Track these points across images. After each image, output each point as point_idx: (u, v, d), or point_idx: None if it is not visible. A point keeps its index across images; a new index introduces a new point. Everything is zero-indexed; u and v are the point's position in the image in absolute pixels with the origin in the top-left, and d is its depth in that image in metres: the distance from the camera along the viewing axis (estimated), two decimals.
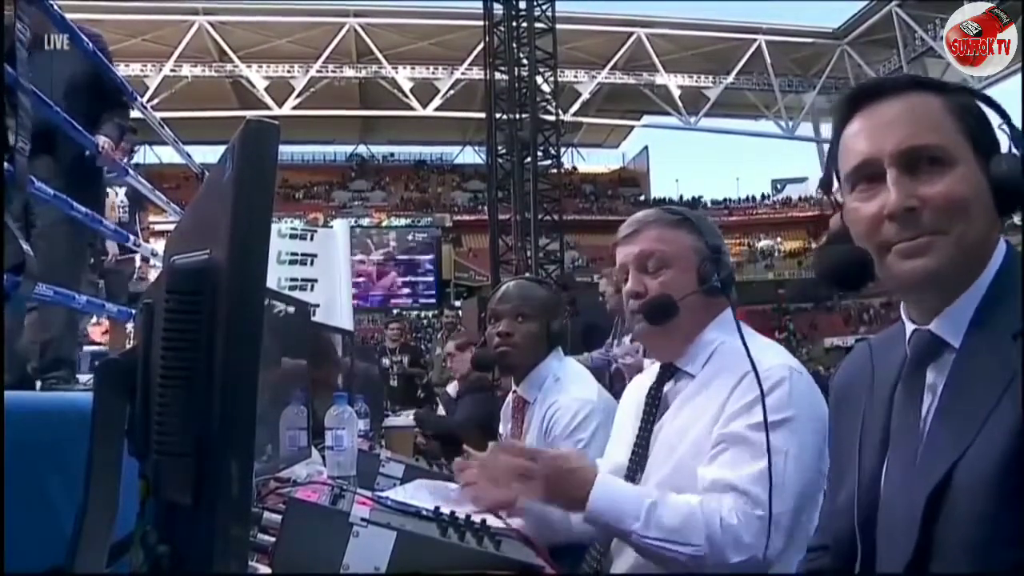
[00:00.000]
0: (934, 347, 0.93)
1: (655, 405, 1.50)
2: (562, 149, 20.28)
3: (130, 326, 4.47)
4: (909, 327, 0.97)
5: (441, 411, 4.85)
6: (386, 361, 7.01)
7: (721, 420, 1.35)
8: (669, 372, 1.51)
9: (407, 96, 28.56)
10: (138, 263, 4.92)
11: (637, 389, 1.62)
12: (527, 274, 10.68)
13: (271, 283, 3.13)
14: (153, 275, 5.22)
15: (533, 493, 1.37)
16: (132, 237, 3.95)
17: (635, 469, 1.46)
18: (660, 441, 1.45)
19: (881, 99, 0.96)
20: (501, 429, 2.41)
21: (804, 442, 1.31)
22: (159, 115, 4.19)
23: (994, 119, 0.95)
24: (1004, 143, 0.93)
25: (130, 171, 3.62)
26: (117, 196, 4.92)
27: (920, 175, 0.90)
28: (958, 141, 0.91)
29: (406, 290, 26.68)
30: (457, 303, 22.75)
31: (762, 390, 1.30)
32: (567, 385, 2.11)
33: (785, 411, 1.32)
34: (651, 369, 1.65)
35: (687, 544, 1.26)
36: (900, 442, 0.94)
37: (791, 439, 1.30)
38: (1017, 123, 0.92)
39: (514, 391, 2.24)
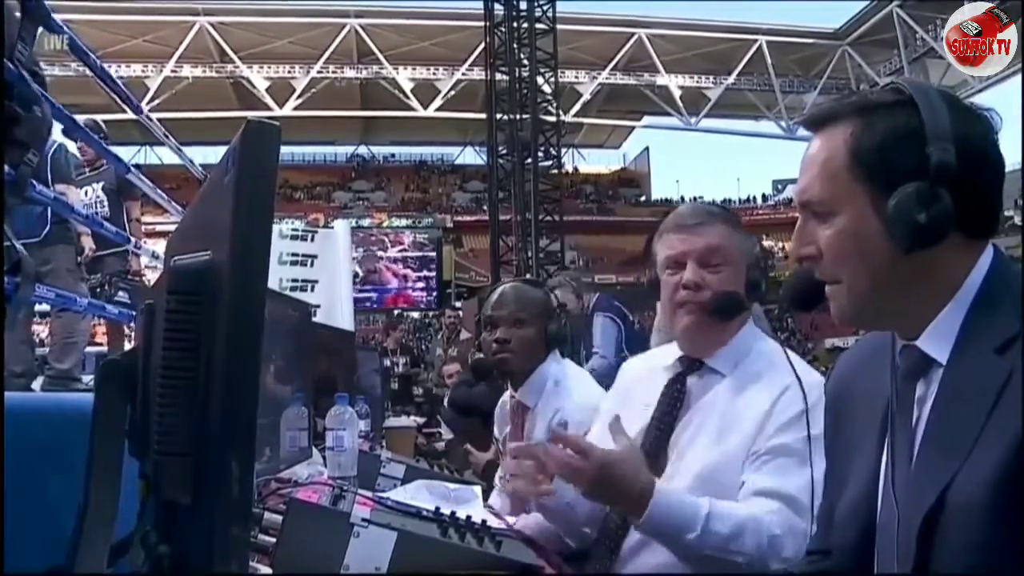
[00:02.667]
0: (922, 363, 0.93)
1: (678, 398, 1.50)
2: (563, 150, 20.28)
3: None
4: (900, 340, 0.97)
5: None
6: (387, 362, 7.02)
7: (767, 431, 1.36)
8: (693, 366, 1.52)
9: (408, 97, 28.55)
10: (129, 256, 4.91)
11: (647, 374, 1.60)
12: (527, 275, 10.64)
13: (272, 284, 3.13)
14: (141, 268, 5.22)
15: (579, 486, 1.32)
16: (118, 231, 3.94)
17: (655, 453, 1.45)
18: (688, 438, 1.45)
19: (812, 135, 0.99)
20: (496, 432, 2.39)
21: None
22: (160, 116, 4.21)
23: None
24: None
25: (132, 168, 3.63)
26: (94, 192, 4.93)
27: (818, 225, 0.96)
28: (847, 187, 0.93)
29: (406, 290, 26.66)
30: (458, 304, 22.74)
31: (804, 399, 1.35)
32: (570, 390, 2.09)
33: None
34: (654, 355, 1.65)
35: (739, 553, 1.27)
36: (894, 457, 0.94)
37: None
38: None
39: (513, 396, 2.21)
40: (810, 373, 1.45)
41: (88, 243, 4.44)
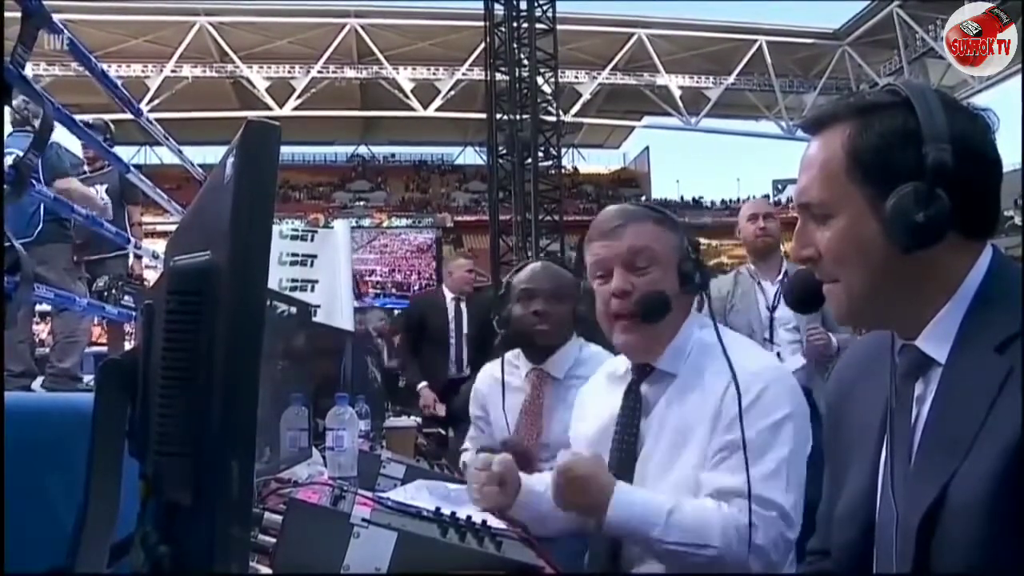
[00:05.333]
0: (921, 363, 0.93)
1: (635, 408, 1.49)
2: (563, 150, 20.25)
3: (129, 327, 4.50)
4: (899, 339, 0.98)
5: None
6: (394, 362, 6.97)
7: (720, 428, 1.36)
8: (644, 372, 1.50)
9: (408, 97, 28.53)
10: (131, 260, 4.94)
11: (607, 384, 1.61)
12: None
13: (272, 284, 3.13)
14: (143, 271, 5.25)
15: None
16: (119, 231, 3.96)
17: (622, 468, 1.45)
18: (651, 443, 1.45)
19: (811, 138, 1.00)
20: (477, 407, 2.38)
21: (799, 437, 1.36)
22: (160, 116, 4.22)
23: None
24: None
25: (132, 168, 3.63)
26: (97, 193, 4.95)
27: (817, 226, 0.96)
28: (845, 188, 0.93)
29: (406, 289, 26.66)
30: None
31: (738, 395, 1.34)
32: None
33: (781, 410, 1.35)
34: (614, 363, 1.64)
35: (706, 546, 1.28)
36: (896, 458, 0.94)
37: (789, 436, 1.34)
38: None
39: (534, 367, 2.25)
40: (756, 358, 1.44)
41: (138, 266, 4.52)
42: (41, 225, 4.12)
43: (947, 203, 0.87)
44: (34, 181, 3.93)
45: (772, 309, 3.41)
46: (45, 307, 4.95)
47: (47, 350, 5.59)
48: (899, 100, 0.92)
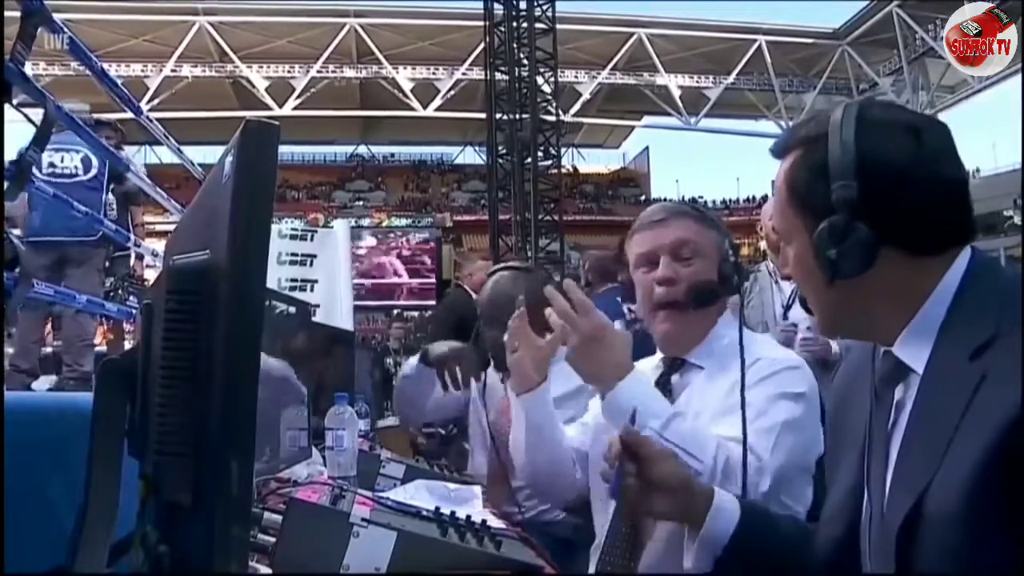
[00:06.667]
0: (899, 368, 0.93)
1: (666, 396, 1.52)
2: (562, 149, 20.27)
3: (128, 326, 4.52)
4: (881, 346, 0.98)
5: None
6: (389, 360, 7.00)
7: (735, 393, 1.40)
8: (676, 365, 1.55)
9: (407, 96, 28.53)
10: (132, 261, 4.97)
11: None
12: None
13: (271, 284, 3.13)
14: (145, 272, 5.27)
15: (570, 337, 1.39)
16: (119, 228, 3.98)
17: None
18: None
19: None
20: (489, 416, 2.40)
21: (804, 416, 1.41)
22: (160, 115, 4.23)
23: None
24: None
25: (132, 167, 3.64)
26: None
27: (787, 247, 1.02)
28: (791, 218, 0.98)
29: (406, 289, 26.66)
30: None
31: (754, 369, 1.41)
32: None
33: (795, 387, 1.42)
34: (643, 363, 1.67)
35: (695, 458, 1.30)
36: (874, 461, 0.95)
37: (797, 409, 1.40)
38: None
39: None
40: (783, 351, 1.54)
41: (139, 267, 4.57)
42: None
43: (865, 234, 0.89)
44: (100, 184, 4.02)
45: (787, 308, 3.38)
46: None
47: (48, 350, 5.61)
48: (824, 132, 0.94)
